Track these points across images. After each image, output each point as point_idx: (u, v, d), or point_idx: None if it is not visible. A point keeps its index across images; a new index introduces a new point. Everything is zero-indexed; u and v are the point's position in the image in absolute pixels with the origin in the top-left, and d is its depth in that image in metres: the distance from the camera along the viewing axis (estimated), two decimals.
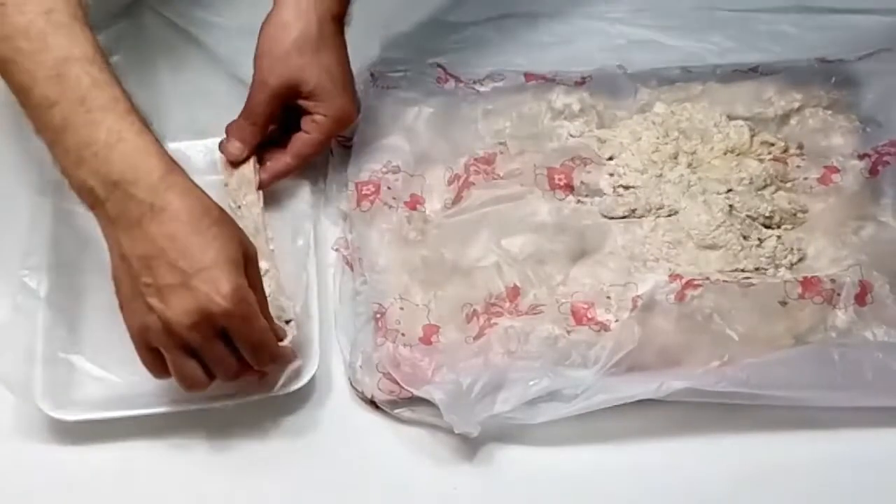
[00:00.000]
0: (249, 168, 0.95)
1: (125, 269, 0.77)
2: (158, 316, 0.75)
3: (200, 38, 1.08)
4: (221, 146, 0.95)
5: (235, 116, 0.96)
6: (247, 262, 0.79)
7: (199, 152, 0.98)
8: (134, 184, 0.76)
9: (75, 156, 0.76)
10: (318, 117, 0.93)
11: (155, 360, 0.78)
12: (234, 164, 0.95)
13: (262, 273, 0.89)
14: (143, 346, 0.78)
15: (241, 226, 0.91)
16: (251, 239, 0.90)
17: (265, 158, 0.95)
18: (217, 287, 0.75)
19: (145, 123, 0.79)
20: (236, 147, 0.94)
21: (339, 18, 0.93)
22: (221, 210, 0.79)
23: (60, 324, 0.87)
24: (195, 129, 1.01)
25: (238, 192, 0.94)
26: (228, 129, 0.95)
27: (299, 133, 0.94)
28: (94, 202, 0.77)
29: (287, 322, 0.86)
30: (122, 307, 0.78)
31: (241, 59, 1.04)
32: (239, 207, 0.94)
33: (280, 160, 0.95)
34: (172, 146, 0.95)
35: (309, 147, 0.94)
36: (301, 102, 0.93)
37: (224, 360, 0.78)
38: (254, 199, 0.94)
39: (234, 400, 0.82)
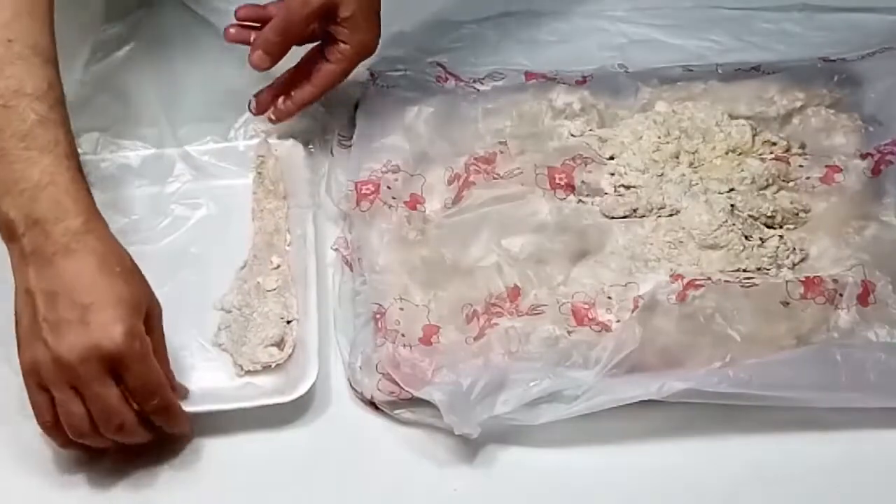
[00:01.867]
0: (277, 172, 0.97)
1: (28, 304, 0.77)
2: (50, 349, 0.75)
3: (218, 25, 1.08)
4: (226, 31, 0.99)
5: (251, 104, 0.98)
6: (149, 314, 0.78)
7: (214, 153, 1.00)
8: (55, 224, 0.77)
9: (2, 187, 0.78)
10: (343, 46, 0.95)
11: (43, 402, 0.77)
12: (260, 105, 0.99)
13: (274, 267, 0.90)
14: (33, 384, 0.77)
15: (259, 225, 0.94)
16: (269, 237, 0.93)
17: (286, 92, 0.98)
18: (112, 325, 0.75)
19: (80, 169, 0.80)
20: (262, 58, 0.95)
21: None
22: (134, 262, 0.80)
23: None
24: (211, 116, 1.02)
25: (264, 200, 0.96)
26: (255, 41, 0.96)
27: (323, 63, 0.96)
28: (10, 235, 0.78)
29: (288, 322, 0.87)
30: (18, 343, 0.78)
31: None
32: (262, 211, 0.95)
33: (304, 90, 0.97)
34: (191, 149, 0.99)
35: (331, 76, 0.97)
36: (331, 28, 0.95)
37: (108, 404, 0.76)
38: (279, 204, 0.96)
39: (232, 405, 0.82)
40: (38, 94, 0.79)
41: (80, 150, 0.94)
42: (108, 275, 0.77)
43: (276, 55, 0.95)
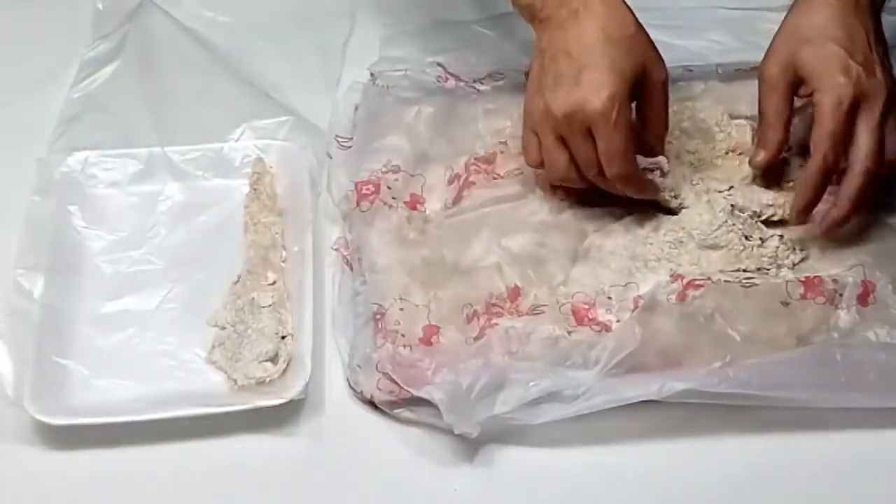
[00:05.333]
0: (273, 188, 0.96)
1: (539, 63, 0.87)
2: (544, 100, 0.85)
3: (206, 37, 1.07)
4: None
5: (242, 116, 0.96)
6: (647, 79, 0.86)
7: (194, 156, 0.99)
8: None
9: None
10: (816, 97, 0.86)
11: (532, 145, 0.89)
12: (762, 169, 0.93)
13: (269, 283, 0.90)
14: (528, 127, 0.89)
15: (253, 239, 0.93)
16: (264, 252, 0.92)
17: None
18: (599, 88, 0.83)
19: None
20: (762, 157, 0.91)
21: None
22: (638, 26, 0.87)
23: (53, 326, 0.86)
24: (202, 128, 1.00)
25: (259, 214, 0.95)
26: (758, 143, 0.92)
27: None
28: (532, 15, 0.89)
29: (283, 338, 0.86)
30: (527, 97, 0.89)
31: (248, 58, 1.05)
32: (255, 224, 0.94)
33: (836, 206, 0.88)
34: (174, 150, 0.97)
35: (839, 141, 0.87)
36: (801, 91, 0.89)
37: (586, 157, 0.85)
38: (275, 219, 0.95)
39: (229, 407, 0.82)
40: None
41: (68, 168, 0.96)
42: (606, 40, 0.84)
43: (776, 148, 0.90)
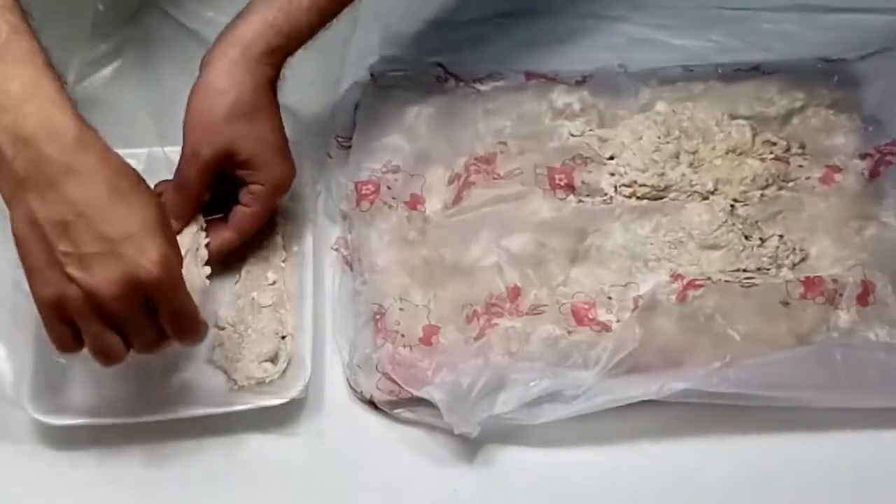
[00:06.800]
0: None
1: (36, 235, 0.71)
2: (80, 286, 0.71)
3: (207, 37, 1.07)
4: None
5: None
6: (164, 224, 0.75)
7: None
8: (48, 142, 0.71)
9: None
10: (255, 187, 0.88)
11: (67, 334, 0.74)
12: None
13: (269, 284, 0.89)
14: (56, 318, 0.73)
15: (253, 239, 0.91)
16: (264, 252, 0.91)
17: (208, 232, 0.90)
18: (146, 254, 0.71)
19: (61, 80, 0.74)
20: (174, 224, 0.85)
21: (273, 83, 0.88)
22: (137, 173, 0.75)
23: None
24: None
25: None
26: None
27: (238, 206, 0.89)
28: None
29: (283, 338, 0.87)
30: (30, 276, 0.73)
31: None
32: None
33: (222, 236, 0.89)
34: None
35: (250, 220, 0.89)
36: (237, 172, 0.88)
37: (145, 331, 0.74)
38: (275, 219, 0.93)
39: (229, 408, 0.82)
40: (8, 5, 0.73)
41: None
42: (120, 197, 0.72)
43: (184, 216, 0.88)
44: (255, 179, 0.88)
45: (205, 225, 0.89)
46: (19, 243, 0.73)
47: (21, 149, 0.71)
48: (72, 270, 0.71)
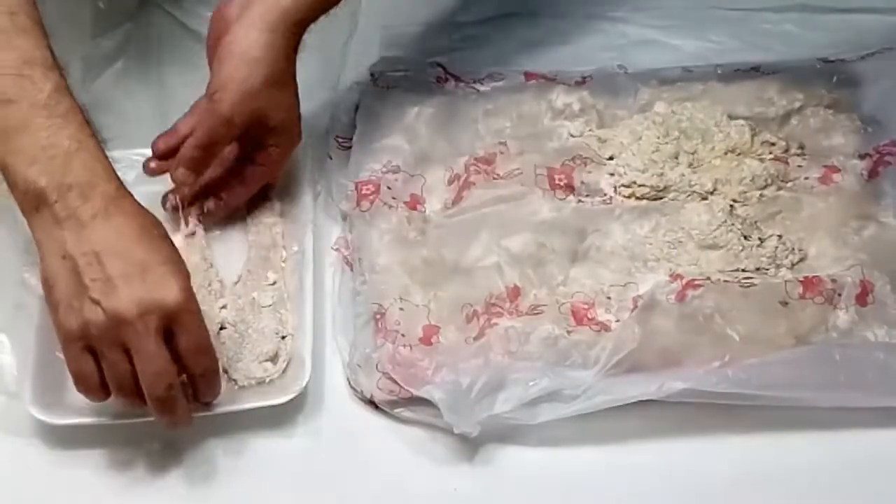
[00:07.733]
0: (274, 190, 0.96)
1: (66, 268, 0.75)
2: (103, 309, 0.74)
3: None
4: (146, 167, 0.93)
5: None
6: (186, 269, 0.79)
7: None
8: (91, 188, 0.76)
9: (29, 156, 0.76)
10: (273, 150, 0.92)
11: (89, 368, 0.76)
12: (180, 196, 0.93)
13: (270, 283, 0.90)
14: (79, 347, 0.75)
15: (253, 239, 0.94)
16: (265, 252, 0.93)
17: (216, 191, 0.94)
18: (170, 282, 0.75)
19: (97, 137, 0.80)
20: (186, 175, 0.90)
21: (296, 51, 0.90)
22: (164, 229, 0.80)
23: None
24: None
25: (260, 215, 0.96)
26: (178, 157, 0.90)
27: (253, 166, 0.93)
28: (39, 203, 0.76)
29: (283, 338, 0.87)
30: (56, 310, 0.76)
31: None
32: (257, 225, 0.95)
33: (237, 191, 0.94)
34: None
35: (265, 177, 0.95)
36: (259, 135, 0.91)
37: (161, 364, 0.75)
38: (275, 219, 0.95)
39: (229, 408, 0.82)
40: (49, 63, 0.79)
41: None
42: (150, 239, 0.77)
43: (200, 171, 0.91)
44: (277, 143, 0.92)
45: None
46: (47, 281, 0.76)
47: (65, 194, 0.76)
48: (97, 295, 0.74)
